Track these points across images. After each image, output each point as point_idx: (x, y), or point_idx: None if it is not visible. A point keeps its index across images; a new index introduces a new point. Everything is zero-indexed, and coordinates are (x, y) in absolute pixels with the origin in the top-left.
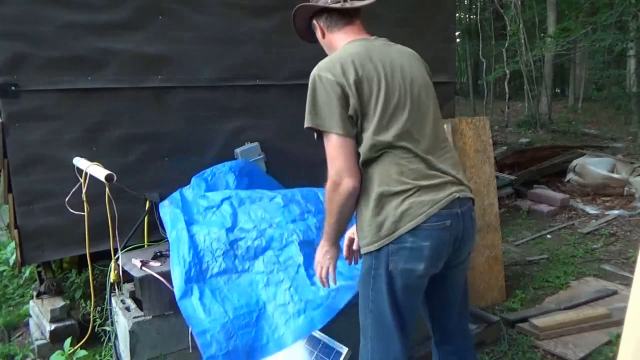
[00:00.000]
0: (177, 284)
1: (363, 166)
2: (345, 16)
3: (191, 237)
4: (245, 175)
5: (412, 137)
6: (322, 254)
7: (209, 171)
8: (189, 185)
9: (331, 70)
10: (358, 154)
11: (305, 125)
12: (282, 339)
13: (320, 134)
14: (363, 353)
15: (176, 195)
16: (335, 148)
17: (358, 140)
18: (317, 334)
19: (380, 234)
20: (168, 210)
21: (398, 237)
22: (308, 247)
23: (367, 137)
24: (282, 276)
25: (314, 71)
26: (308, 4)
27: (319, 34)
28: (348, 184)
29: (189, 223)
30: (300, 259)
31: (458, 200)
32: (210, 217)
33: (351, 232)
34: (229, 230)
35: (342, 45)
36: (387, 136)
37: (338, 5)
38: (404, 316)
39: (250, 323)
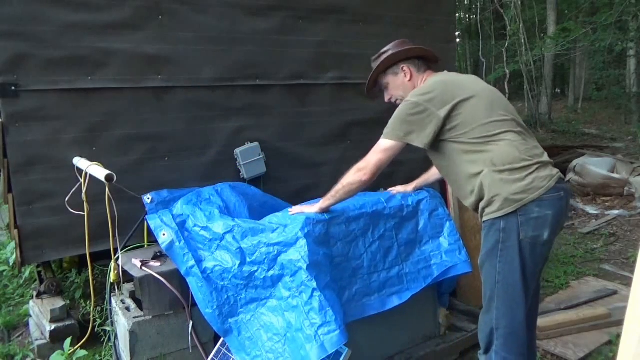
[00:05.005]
0: (217, 327)
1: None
2: (429, 62)
3: (207, 278)
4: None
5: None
6: (310, 209)
7: (195, 196)
8: (179, 206)
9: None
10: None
11: None
12: None
13: None
14: (486, 319)
15: (167, 217)
16: None
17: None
18: None
19: (509, 204)
20: (168, 236)
21: (525, 207)
22: (316, 268)
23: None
24: (297, 302)
25: None
26: (408, 47)
27: (402, 78)
28: None
29: (198, 260)
30: (313, 283)
31: (559, 178)
32: (216, 249)
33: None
34: (242, 264)
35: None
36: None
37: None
38: (529, 282)
39: (281, 354)
